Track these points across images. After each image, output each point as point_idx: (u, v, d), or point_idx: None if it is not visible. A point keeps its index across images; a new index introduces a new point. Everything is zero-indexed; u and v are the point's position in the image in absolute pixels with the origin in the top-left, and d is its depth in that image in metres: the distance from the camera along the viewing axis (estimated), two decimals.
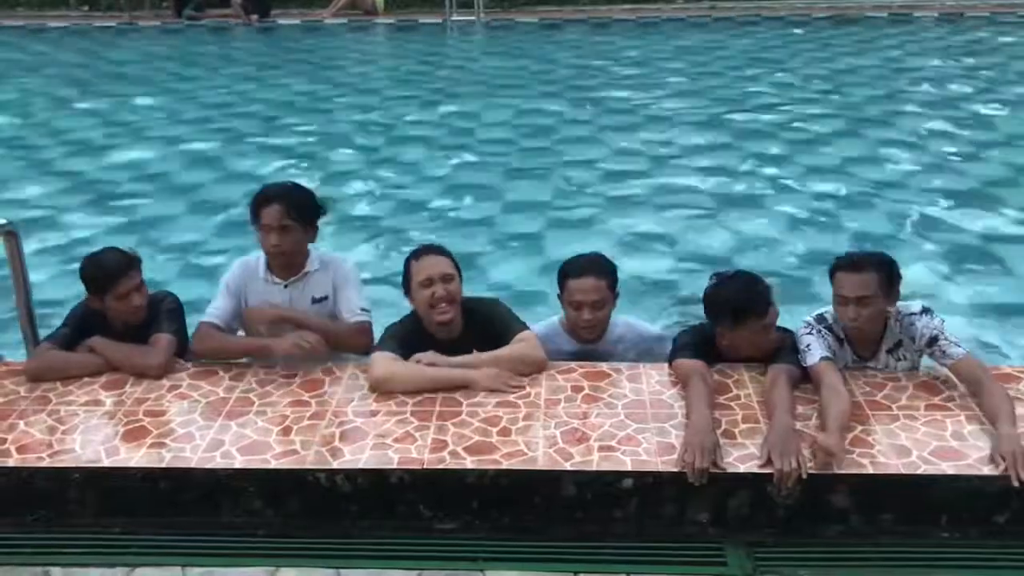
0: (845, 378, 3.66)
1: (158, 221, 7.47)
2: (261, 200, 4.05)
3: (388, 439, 3.45)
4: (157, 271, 5.69)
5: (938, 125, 9.74)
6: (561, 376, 3.87)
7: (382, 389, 3.76)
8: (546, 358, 3.94)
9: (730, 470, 3.22)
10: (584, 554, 3.19)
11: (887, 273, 3.66)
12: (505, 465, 3.29)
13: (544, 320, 4.29)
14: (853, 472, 3.20)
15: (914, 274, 5.88)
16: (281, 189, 4.14)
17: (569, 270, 4.06)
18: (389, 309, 4.36)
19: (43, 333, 4.22)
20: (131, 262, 4.02)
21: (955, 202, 7.45)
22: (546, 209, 7.55)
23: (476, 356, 3.85)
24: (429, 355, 3.83)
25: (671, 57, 13.68)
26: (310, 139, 9.86)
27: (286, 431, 3.53)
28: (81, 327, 4.08)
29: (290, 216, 4.00)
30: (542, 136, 9.68)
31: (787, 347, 3.77)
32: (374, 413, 3.63)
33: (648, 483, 3.25)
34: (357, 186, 8.32)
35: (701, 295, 3.89)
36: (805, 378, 3.68)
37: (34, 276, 4.42)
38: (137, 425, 3.60)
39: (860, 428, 3.43)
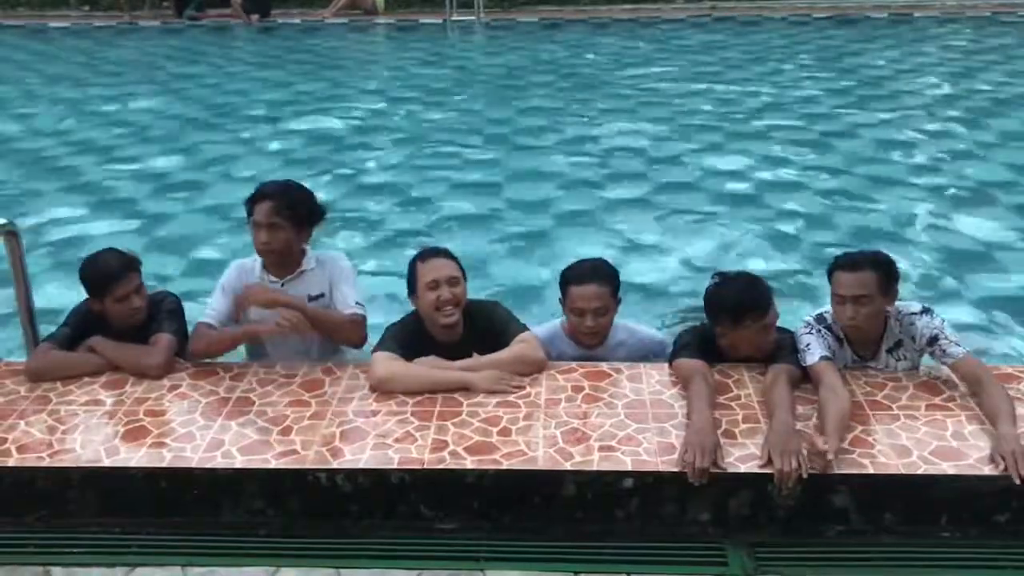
0: (845, 378, 3.66)
1: (158, 221, 7.48)
2: (255, 197, 4.04)
3: (388, 439, 3.45)
4: (157, 271, 5.69)
5: (938, 125, 9.74)
6: (561, 376, 3.87)
7: (383, 389, 3.76)
8: (546, 358, 3.94)
9: (731, 470, 3.22)
10: (585, 554, 3.19)
11: (885, 272, 3.66)
12: (505, 465, 3.29)
13: (545, 323, 4.29)
14: (854, 472, 3.20)
15: (916, 272, 5.91)
16: (276, 187, 4.12)
17: (571, 276, 4.05)
18: (390, 306, 4.36)
19: (43, 333, 4.22)
20: (130, 264, 4.02)
21: (956, 202, 7.45)
22: (546, 209, 7.55)
23: (476, 360, 3.85)
24: (431, 360, 3.84)
25: (671, 57, 13.69)
26: (310, 139, 9.86)
27: (286, 431, 3.53)
28: (82, 327, 4.08)
29: (280, 214, 3.97)
30: (542, 136, 9.68)
31: (787, 347, 3.77)
32: (374, 413, 3.63)
33: (649, 483, 3.25)
34: (357, 186, 8.32)
35: (702, 296, 3.89)
36: (805, 378, 3.67)
37: (34, 276, 4.42)
38: (137, 425, 3.60)
39: (860, 428, 3.43)
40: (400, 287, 4.19)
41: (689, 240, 6.81)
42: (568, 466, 3.27)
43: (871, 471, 3.20)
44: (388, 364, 3.78)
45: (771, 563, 3.14)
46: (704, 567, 3.14)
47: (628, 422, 3.52)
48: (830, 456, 3.15)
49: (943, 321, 3.74)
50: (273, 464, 3.35)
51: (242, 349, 4.30)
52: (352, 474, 3.31)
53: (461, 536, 3.28)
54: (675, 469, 3.22)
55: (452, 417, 3.57)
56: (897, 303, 3.74)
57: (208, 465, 3.36)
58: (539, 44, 15.05)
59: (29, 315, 4.26)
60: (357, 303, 4.04)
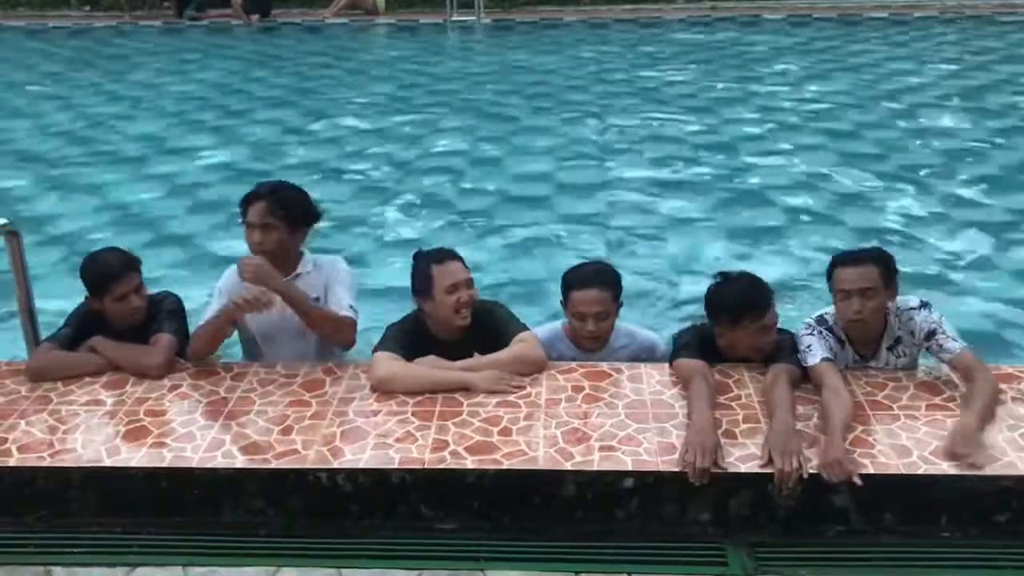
0: (846, 379, 3.66)
1: (158, 220, 7.48)
2: (248, 197, 4.01)
3: (389, 439, 3.45)
4: (157, 271, 5.69)
5: (938, 125, 9.75)
6: (562, 376, 3.87)
7: (383, 389, 3.76)
8: (546, 358, 3.94)
9: (731, 470, 3.22)
10: (585, 554, 3.19)
11: (886, 266, 3.67)
12: (506, 465, 3.30)
13: (546, 325, 4.28)
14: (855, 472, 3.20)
15: (917, 271, 5.91)
16: (269, 187, 4.07)
17: (573, 280, 4.04)
18: (390, 306, 4.35)
19: (44, 333, 4.23)
20: (130, 264, 4.02)
21: (956, 201, 7.46)
22: (547, 209, 7.55)
23: (477, 360, 3.85)
24: (431, 360, 3.84)
25: (672, 57, 13.69)
26: (310, 139, 9.87)
27: (287, 431, 3.53)
28: (82, 327, 4.08)
29: (273, 214, 3.94)
30: (542, 135, 9.69)
31: (787, 347, 3.77)
32: (375, 413, 3.63)
33: (649, 483, 3.26)
34: (358, 186, 8.32)
35: (703, 297, 3.89)
36: (805, 378, 3.67)
37: (35, 275, 4.42)
38: (138, 425, 3.60)
39: (861, 428, 3.43)
40: (399, 286, 4.19)
41: (688, 240, 6.81)
42: (568, 466, 3.27)
43: (871, 471, 3.20)
44: (389, 364, 3.78)
45: (771, 563, 3.14)
46: (704, 567, 3.14)
47: (628, 422, 3.52)
48: (841, 459, 3.14)
49: (941, 316, 3.75)
50: (274, 464, 3.35)
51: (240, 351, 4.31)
52: (353, 474, 3.32)
53: (461, 536, 3.28)
54: (675, 469, 3.22)
55: (453, 417, 3.57)
56: (896, 299, 3.75)
57: (209, 465, 3.36)
58: (539, 44, 15.05)
59: (30, 315, 4.26)
60: (351, 307, 3.98)
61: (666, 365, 3.91)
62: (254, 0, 17.16)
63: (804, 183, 8.00)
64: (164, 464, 3.37)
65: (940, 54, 13.53)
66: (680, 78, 12.26)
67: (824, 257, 3.89)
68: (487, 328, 3.95)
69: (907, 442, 3.35)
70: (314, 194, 4.22)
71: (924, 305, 3.76)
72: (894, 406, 3.59)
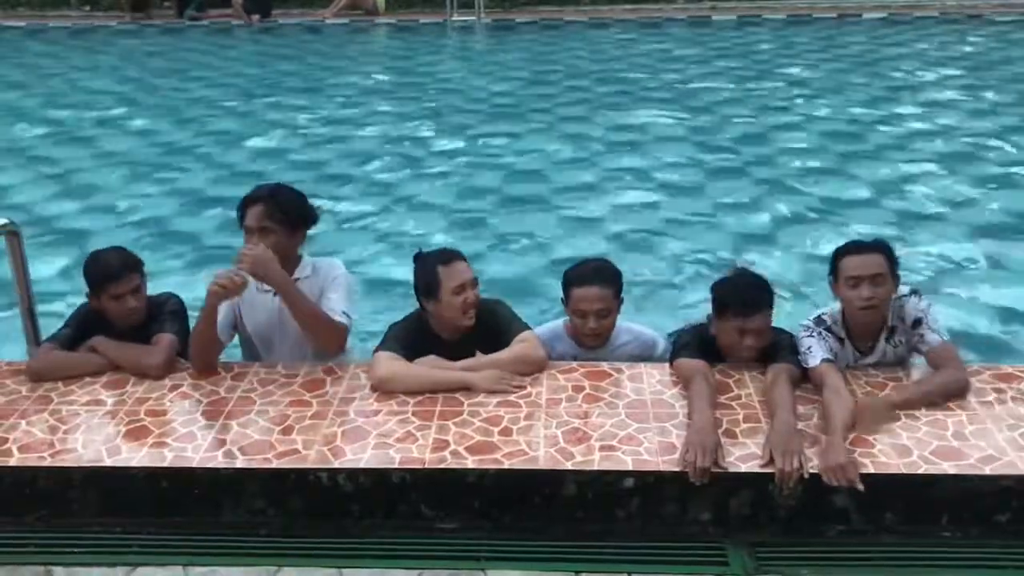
0: (847, 379, 3.66)
1: (157, 219, 7.48)
2: (246, 201, 3.97)
3: (390, 439, 3.45)
4: (158, 271, 5.69)
5: (938, 125, 9.75)
6: (562, 376, 3.87)
7: (384, 389, 3.76)
8: (547, 358, 3.94)
9: (732, 469, 3.22)
10: (585, 554, 3.18)
11: (891, 256, 3.68)
12: (506, 465, 3.30)
13: (548, 323, 4.28)
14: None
15: (918, 270, 5.92)
16: (266, 190, 4.02)
17: (574, 278, 4.03)
18: (390, 305, 4.34)
19: (44, 333, 4.23)
20: (130, 264, 4.01)
21: (957, 201, 7.46)
22: (547, 208, 7.56)
23: (477, 360, 3.85)
24: (432, 359, 3.84)
25: (672, 57, 13.69)
26: (311, 139, 9.87)
27: (287, 431, 3.53)
28: (83, 328, 4.08)
29: (271, 218, 3.90)
30: (542, 135, 9.69)
31: (786, 347, 3.76)
32: (376, 412, 3.63)
33: (649, 483, 3.25)
34: (358, 186, 8.33)
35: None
36: (805, 378, 3.67)
37: (35, 275, 4.42)
38: (139, 425, 3.60)
39: (861, 428, 3.43)
40: (400, 286, 4.18)
41: (688, 241, 6.81)
42: (569, 466, 3.27)
43: (872, 471, 3.20)
44: (389, 364, 3.78)
45: (772, 563, 3.14)
46: (705, 567, 3.14)
47: (629, 422, 3.52)
48: (844, 462, 3.15)
49: (929, 305, 3.75)
50: (274, 464, 3.35)
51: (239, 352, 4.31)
52: (353, 474, 3.31)
53: (462, 536, 3.28)
54: (676, 469, 3.22)
55: (453, 417, 3.57)
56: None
57: (209, 465, 3.36)
58: (540, 44, 15.06)
59: (30, 315, 4.27)
60: (344, 313, 3.92)
61: (666, 365, 3.90)
62: (255, 0, 17.17)
63: (804, 183, 8.00)
64: (165, 464, 3.37)
65: (940, 53, 13.52)
66: (680, 78, 12.26)
67: (822, 257, 3.88)
68: (489, 327, 3.95)
69: (908, 442, 3.35)
70: (312, 194, 4.21)
71: (914, 292, 3.77)
72: None
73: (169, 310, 4.10)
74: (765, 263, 6.13)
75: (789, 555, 3.16)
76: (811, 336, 3.73)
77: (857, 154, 8.76)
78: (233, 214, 4.06)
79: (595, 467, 3.26)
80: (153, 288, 4.21)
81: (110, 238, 5.69)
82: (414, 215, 7.53)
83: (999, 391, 3.68)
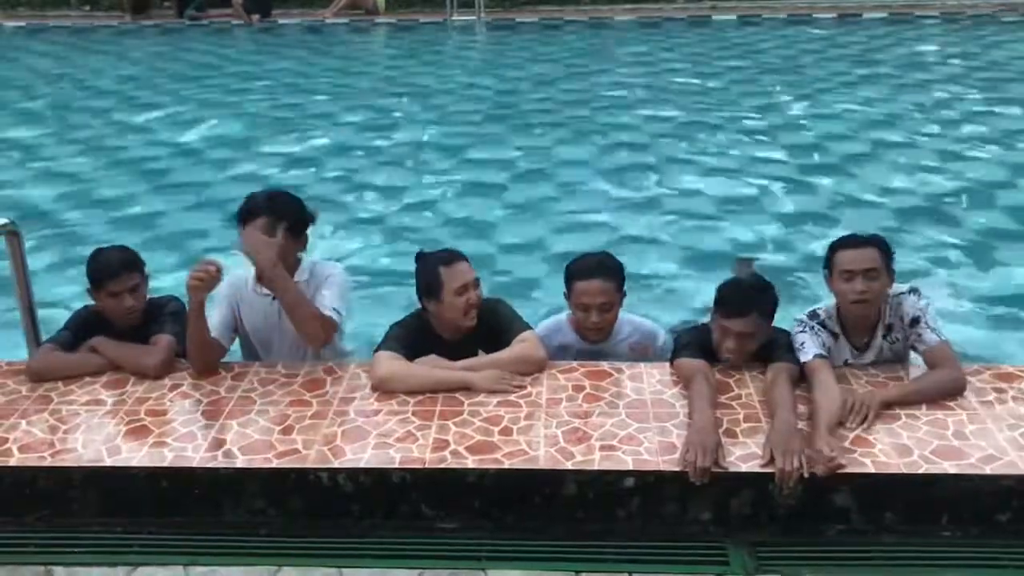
0: (844, 377, 3.66)
1: (158, 220, 7.48)
2: (247, 213, 3.91)
3: (390, 438, 3.45)
4: (157, 269, 5.69)
5: (938, 123, 9.75)
6: (562, 375, 3.87)
7: (384, 389, 3.76)
8: (547, 358, 3.93)
9: (732, 469, 3.22)
10: (586, 553, 3.18)
11: (885, 252, 3.68)
12: (507, 464, 3.29)
13: (552, 316, 4.27)
14: (855, 471, 3.20)
15: (918, 270, 5.92)
16: (267, 201, 3.97)
17: (576, 271, 4.02)
18: (389, 304, 4.33)
19: (45, 333, 4.23)
20: (130, 264, 4.01)
21: (957, 200, 7.46)
22: (548, 208, 7.56)
23: (477, 359, 3.85)
24: (432, 359, 3.84)
25: (672, 57, 13.69)
26: (310, 139, 9.87)
27: (288, 430, 3.52)
28: (82, 330, 4.08)
29: (275, 229, 3.85)
30: (542, 134, 9.69)
31: (785, 345, 3.76)
32: (376, 412, 3.63)
33: (650, 482, 3.25)
34: (358, 185, 8.33)
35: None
36: (805, 376, 3.67)
37: (35, 275, 4.43)
38: (139, 424, 3.60)
39: (861, 427, 3.43)
40: (400, 286, 4.18)
41: (687, 241, 6.81)
42: (569, 465, 3.27)
43: (872, 470, 3.20)
44: (390, 363, 3.78)
45: (772, 562, 3.13)
46: (705, 566, 3.14)
47: (629, 421, 3.52)
48: (840, 460, 3.15)
49: (928, 304, 3.74)
50: (274, 464, 3.35)
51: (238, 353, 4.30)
52: (353, 473, 3.31)
53: (462, 535, 3.28)
54: (676, 468, 3.22)
55: (453, 416, 3.57)
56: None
57: (209, 465, 3.36)
58: (540, 44, 15.06)
59: (30, 315, 4.27)
60: (335, 309, 3.89)
61: (667, 364, 3.90)
62: (255, 0, 17.17)
63: (805, 183, 8.00)
64: (165, 464, 3.37)
65: (940, 53, 13.52)
66: (681, 77, 12.26)
67: (819, 257, 3.88)
68: (490, 327, 3.95)
69: (908, 441, 3.35)
70: (313, 193, 4.20)
71: (913, 291, 3.76)
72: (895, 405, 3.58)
73: (169, 311, 4.09)
74: (767, 261, 6.16)
75: (789, 555, 3.16)
76: (804, 331, 3.73)
77: (858, 153, 8.75)
78: (229, 212, 4.04)
79: (595, 467, 3.26)
80: (154, 289, 4.21)
81: (110, 238, 5.68)
82: (414, 215, 7.53)
83: (999, 391, 3.68)
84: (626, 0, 17.91)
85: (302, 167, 8.83)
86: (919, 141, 9.19)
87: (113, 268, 3.97)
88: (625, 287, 4.07)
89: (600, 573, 3.14)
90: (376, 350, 3.89)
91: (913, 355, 3.83)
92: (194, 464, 3.36)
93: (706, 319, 3.99)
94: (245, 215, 3.91)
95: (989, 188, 7.72)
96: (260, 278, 3.97)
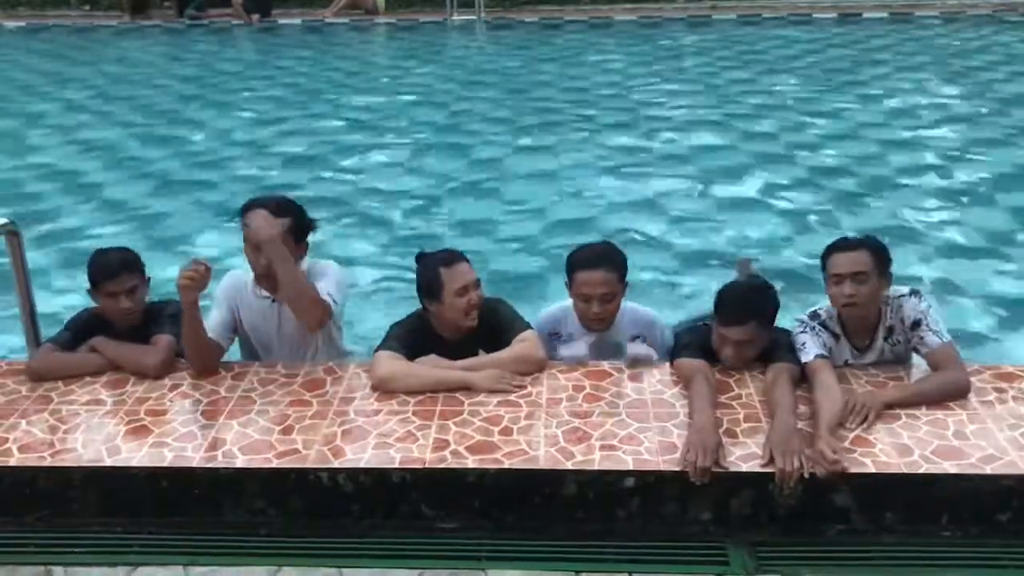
0: (844, 376, 3.66)
1: (158, 220, 7.48)
2: (249, 203, 3.93)
3: (390, 438, 3.44)
4: (157, 267, 5.69)
5: (938, 125, 9.75)
6: (562, 375, 3.86)
7: (384, 388, 3.76)
8: (547, 358, 3.94)
9: (732, 469, 3.22)
10: (586, 553, 3.18)
11: (880, 254, 3.67)
12: (507, 464, 3.29)
13: (556, 304, 4.25)
14: (855, 471, 3.19)
15: (916, 269, 5.91)
16: (271, 199, 3.98)
17: (577, 261, 3.99)
18: (391, 303, 4.32)
19: (45, 333, 4.22)
20: (128, 265, 4.01)
21: (956, 200, 7.46)
22: (547, 207, 7.55)
23: (478, 359, 3.85)
24: (432, 359, 3.84)
25: (672, 56, 13.69)
26: (311, 139, 9.87)
27: (288, 430, 3.52)
28: (83, 331, 4.08)
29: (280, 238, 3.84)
30: (542, 135, 9.69)
31: (785, 345, 3.76)
32: (376, 412, 3.63)
33: (650, 482, 3.25)
34: (358, 185, 8.32)
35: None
36: (806, 376, 3.67)
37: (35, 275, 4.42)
38: (139, 424, 3.60)
39: (862, 427, 3.42)
40: (400, 285, 4.18)
41: (686, 240, 6.81)
42: (569, 465, 3.27)
43: (872, 470, 3.20)
44: (390, 363, 3.78)
45: (772, 562, 3.13)
46: (705, 566, 3.14)
47: (629, 421, 3.51)
48: (829, 456, 3.15)
49: (930, 306, 3.74)
50: (275, 464, 3.34)
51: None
52: (353, 473, 3.31)
53: (462, 535, 3.28)
54: (676, 468, 3.22)
55: (453, 416, 3.57)
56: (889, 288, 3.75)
57: (209, 465, 3.36)
58: (540, 43, 15.06)
59: (30, 314, 4.27)
60: (330, 295, 3.87)
61: (667, 364, 3.90)
62: (255, 0, 17.17)
63: (805, 183, 8.00)
64: (165, 464, 3.37)
65: (941, 53, 13.52)
66: (681, 77, 12.26)
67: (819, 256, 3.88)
68: (491, 326, 3.94)
69: (908, 441, 3.35)
70: (313, 194, 4.20)
71: (914, 292, 3.76)
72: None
73: (170, 313, 4.09)
74: (767, 261, 6.16)
75: (790, 555, 3.16)
76: (805, 332, 3.73)
77: (858, 153, 8.75)
78: (230, 214, 4.04)
79: (595, 467, 3.26)
80: (155, 290, 4.21)
81: (109, 239, 5.69)
82: (415, 214, 7.52)
83: (1000, 391, 3.68)
84: (626, 0, 17.91)
85: (302, 167, 8.82)
86: (919, 141, 9.18)
87: (111, 269, 3.97)
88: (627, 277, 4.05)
89: (600, 573, 3.14)
90: (376, 350, 3.89)
91: (916, 357, 3.83)
92: (194, 464, 3.36)
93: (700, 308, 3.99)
94: (248, 204, 3.94)
95: (989, 189, 7.71)
96: (259, 279, 3.98)
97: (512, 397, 3.69)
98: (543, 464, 3.28)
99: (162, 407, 3.72)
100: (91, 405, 3.75)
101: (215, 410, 3.69)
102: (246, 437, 3.50)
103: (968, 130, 9.49)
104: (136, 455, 3.41)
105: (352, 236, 7.02)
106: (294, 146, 9.61)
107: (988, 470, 3.20)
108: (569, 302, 4.14)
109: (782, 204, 7.48)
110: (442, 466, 3.29)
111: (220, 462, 3.36)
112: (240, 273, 4.13)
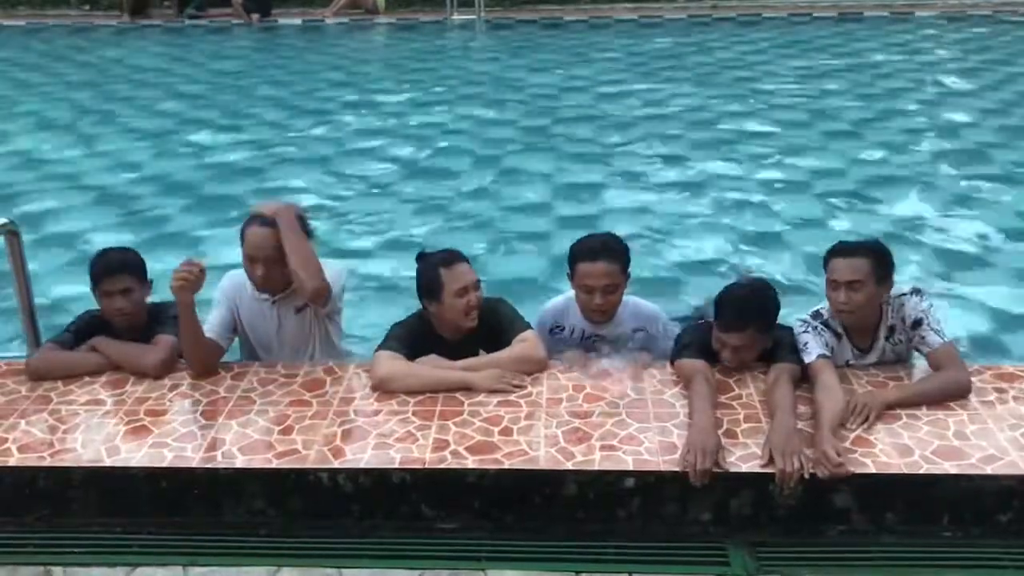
0: (845, 376, 3.66)
1: (157, 220, 7.47)
2: (247, 228, 3.95)
3: (390, 439, 3.44)
4: (157, 268, 5.69)
5: (938, 125, 9.74)
6: (563, 375, 3.86)
7: (384, 389, 3.76)
8: (547, 358, 3.93)
9: (732, 470, 3.22)
10: (586, 554, 3.18)
11: (880, 260, 3.66)
12: (507, 464, 3.29)
13: (559, 296, 4.25)
14: (855, 472, 3.19)
15: (918, 269, 5.91)
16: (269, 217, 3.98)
17: (580, 253, 3.98)
18: (390, 303, 4.32)
19: (44, 333, 4.22)
20: (125, 266, 4.01)
21: (956, 200, 7.45)
22: (548, 207, 7.55)
23: (478, 359, 3.85)
24: (432, 359, 3.84)
25: (672, 56, 13.68)
26: (311, 139, 9.86)
27: (288, 430, 3.52)
28: (84, 332, 4.08)
29: (278, 248, 3.87)
30: (542, 135, 9.69)
31: (787, 345, 3.76)
32: (376, 412, 3.63)
33: (650, 482, 3.25)
34: (358, 185, 8.32)
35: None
36: (807, 376, 3.67)
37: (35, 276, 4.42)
38: (138, 424, 3.60)
39: (863, 427, 3.42)
40: (400, 285, 4.17)
41: (686, 240, 6.81)
42: (569, 466, 3.27)
43: (873, 471, 3.20)
44: (390, 363, 3.78)
45: (773, 562, 3.13)
46: (705, 567, 3.14)
47: (629, 421, 3.51)
48: (833, 458, 3.15)
49: (931, 305, 3.74)
50: (274, 464, 3.34)
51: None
52: (353, 474, 3.31)
53: (462, 536, 3.28)
54: (677, 469, 3.22)
55: (453, 416, 3.57)
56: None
57: (209, 465, 3.36)
58: (540, 43, 15.05)
59: (30, 314, 4.26)
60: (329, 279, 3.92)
61: (667, 364, 3.90)
62: (255, 0, 17.16)
63: (805, 183, 7.99)
64: (164, 464, 3.37)
65: (941, 53, 13.51)
66: (681, 77, 12.25)
67: (820, 258, 3.88)
68: (491, 326, 3.95)
69: (909, 441, 3.35)
70: (312, 193, 4.20)
71: (915, 292, 3.76)
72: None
73: (173, 314, 4.08)
74: (770, 263, 6.16)
75: (790, 555, 3.16)
76: (807, 332, 3.73)
77: (859, 152, 8.74)
78: (231, 213, 4.04)
79: (595, 467, 3.26)
80: (155, 290, 4.21)
81: (111, 239, 5.68)
82: (415, 215, 7.52)
83: (1000, 391, 3.68)
84: (626, 0, 17.90)
85: (302, 167, 8.81)
86: (919, 141, 9.17)
87: (108, 267, 3.98)
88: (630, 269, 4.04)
89: (600, 573, 3.14)
90: (376, 350, 3.89)
91: (917, 357, 3.83)
92: (193, 464, 3.36)
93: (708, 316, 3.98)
94: (249, 220, 3.99)
95: (989, 188, 7.71)
96: (258, 285, 3.98)
97: (512, 397, 3.69)
98: (543, 464, 3.28)
99: (162, 407, 3.72)
100: (91, 405, 3.75)
101: (215, 410, 3.69)
102: (246, 437, 3.49)
103: (968, 130, 9.48)
104: (136, 455, 3.40)
105: (352, 236, 7.01)
106: (294, 146, 9.60)
107: (989, 470, 3.20)
108: (571, 294, 4.13)
109: (782, 204, 7.47)
110: (442, 466, 3.29)
111: (220, 462, 3.36)
112: (240, 273, 4.13)
